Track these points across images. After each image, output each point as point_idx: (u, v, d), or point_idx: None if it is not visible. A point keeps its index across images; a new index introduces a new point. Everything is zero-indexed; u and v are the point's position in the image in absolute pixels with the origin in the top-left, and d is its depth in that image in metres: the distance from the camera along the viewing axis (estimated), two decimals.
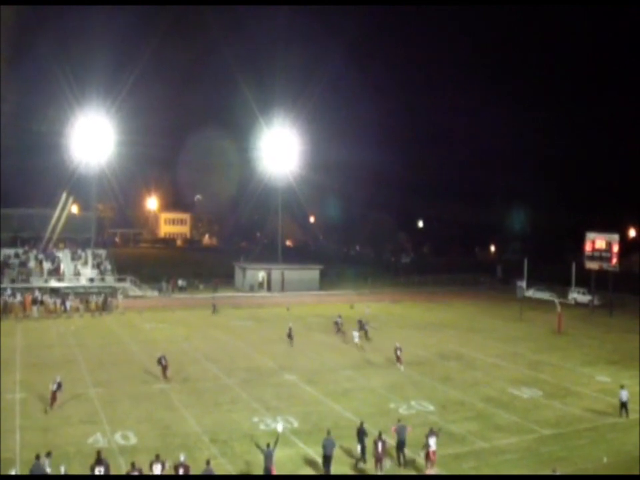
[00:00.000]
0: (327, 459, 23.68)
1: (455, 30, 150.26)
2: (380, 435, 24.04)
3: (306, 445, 26.23)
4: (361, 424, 25.30)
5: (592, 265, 70.46)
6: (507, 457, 25.87)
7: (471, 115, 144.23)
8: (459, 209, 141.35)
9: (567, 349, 47.96)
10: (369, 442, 24.54)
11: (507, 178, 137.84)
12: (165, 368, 36.54)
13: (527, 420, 30.65)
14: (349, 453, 25.72)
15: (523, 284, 62.85)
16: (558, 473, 21.56)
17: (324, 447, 23.77)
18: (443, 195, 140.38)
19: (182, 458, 21.47)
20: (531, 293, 62.13)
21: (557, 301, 57.59)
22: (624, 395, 31.25)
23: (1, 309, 57.74)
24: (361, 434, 24.83)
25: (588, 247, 70.83)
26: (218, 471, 22.20)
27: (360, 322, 49.75)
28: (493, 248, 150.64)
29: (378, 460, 23.79)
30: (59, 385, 30.96)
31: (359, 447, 24.75)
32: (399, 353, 40.34)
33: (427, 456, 23.96)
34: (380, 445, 23.70)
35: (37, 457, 21.41)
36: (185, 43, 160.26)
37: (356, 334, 46.67)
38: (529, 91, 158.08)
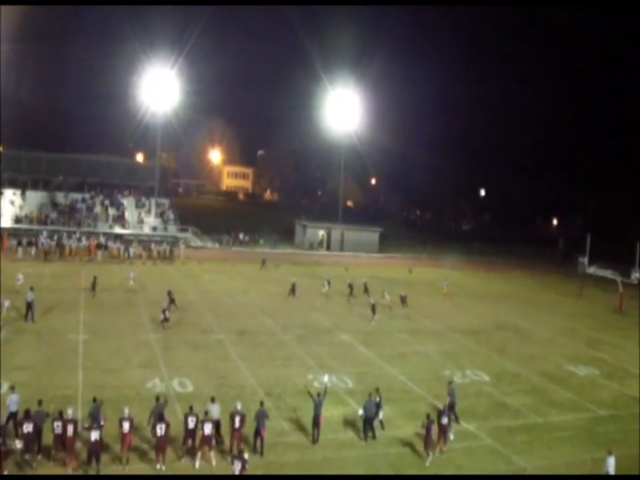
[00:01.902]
0: (367, 421, 23.49)
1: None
2: (428, 416, 22.46)
3: (359, 406, 26.31)
4: (376, 390, 24.59)
5: None
6: (560, 434, 25.52)
7: (542, 88, 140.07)
8: (523, 180, 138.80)
9: (627, 329, 46.84)
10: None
11: (574, 152, 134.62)
12: (172, 301, 39.98)
13: (582, 398, 30.17)
14: (401, 416, 25.93)
15: (585, 260, 61.39)
16: (613, 455, 21.17)
17: (365, 408, 23.49)
18: (508, 165, 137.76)
19: (238, 406, 21.80)
20: (592, 270, 60.68)
21: (619, 279, 56.19)
22: None
23: (67, 251, 59.49)
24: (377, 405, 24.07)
25: None
26: (272, 424, 22.60)
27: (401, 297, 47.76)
28: (555, 221, 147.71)
29: (429, 444, 21.93)
30: (168, 310, 36.78)
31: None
32: (374, 307, 42.01)
33: (441, 433, 22.50)
34: (432, 428, 21.98)
35: (94, 400, 21.79)
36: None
37: (386, 295, 46.56)
38: (601, 68, 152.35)
